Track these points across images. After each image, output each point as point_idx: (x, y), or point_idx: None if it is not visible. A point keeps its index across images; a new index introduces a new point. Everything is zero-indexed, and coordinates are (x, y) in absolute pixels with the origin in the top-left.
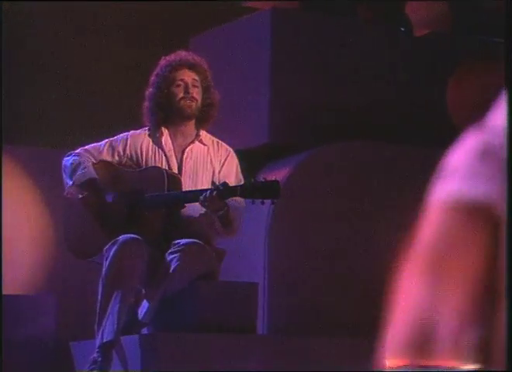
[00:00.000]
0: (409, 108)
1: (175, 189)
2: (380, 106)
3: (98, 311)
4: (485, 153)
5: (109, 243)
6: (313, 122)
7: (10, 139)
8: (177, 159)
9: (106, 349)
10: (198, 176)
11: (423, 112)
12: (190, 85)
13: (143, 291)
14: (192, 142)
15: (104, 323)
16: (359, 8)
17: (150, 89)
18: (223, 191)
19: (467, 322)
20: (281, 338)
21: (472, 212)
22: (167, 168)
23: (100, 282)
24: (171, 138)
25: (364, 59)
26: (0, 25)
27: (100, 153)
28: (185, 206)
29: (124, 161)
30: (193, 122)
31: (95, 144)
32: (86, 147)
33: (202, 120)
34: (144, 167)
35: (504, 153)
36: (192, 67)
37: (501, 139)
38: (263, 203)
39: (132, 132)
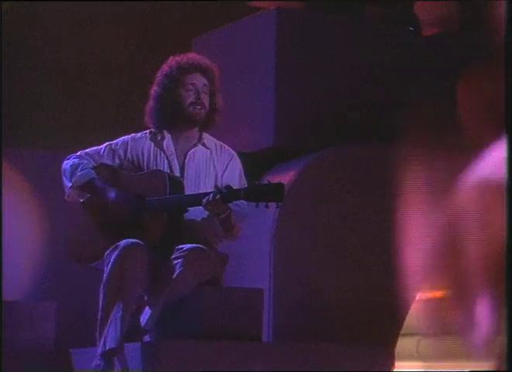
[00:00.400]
0: (418, 109)
1: (178, 193)
2: (388, 108)
3: (99, 318)
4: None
5: (110, 248)
6: (319, 124)
7: (10, 141)
8: (179, 162)
9: (109, 356)
10: (201, 180)
11: (433, 114)
12: (201, 91)
13: (145, 297)
14: (195, 145)
15: (106, 330)
16: (367, 8)
17: (157, 88)
18: (226, 194)
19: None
20: (287, 345)
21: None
22: (169, 172)
23: (101, 288)
24: (173, 141)
25: (371, 60)
26: (0, 26)
27: (100, 156)
28: (187, 210)
29: (125, 165)
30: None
31: (95, 147)
32: (86, 150)
33: (206, 125)
34: (146, 170)
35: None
36: (204, 71)
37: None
38: (267, 207)
39: (132, 135)
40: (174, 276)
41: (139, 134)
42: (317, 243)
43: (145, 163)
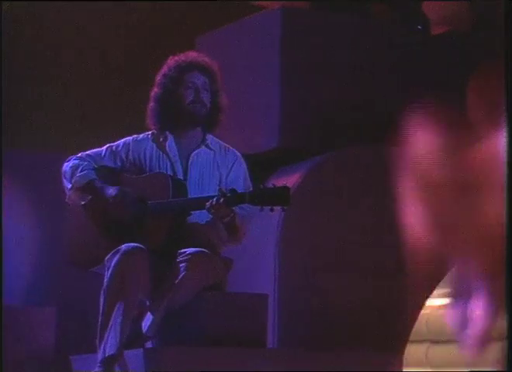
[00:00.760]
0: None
1: (181, 196)
2: (395, 108)
3: (99, 323)
4: None
5: (111, 252)
6: (325, 125)
7: (10, 143)
8: (182, 164)
9: (109, 363)
10: (205, 182)
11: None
12: (201, 89)
13: (147, 302)
14: (198, 147)
15: (106, 336)
16: (374, 7)
17: (156, 90)
18: (230, 197)
19: None
20: (292, 352)
21: None
22: (171, 174)
23: (101, 293)
24: (176, 143)
25: (377, 60)
26: (0, 26)
27: (101, 158)
28: (190, 214)
29: (127, 167)
30: (200, 126)
31: (96, 149)
32: (87, 152)
33: (209, 125)
34: (148, 173)
35: None
36: (203, 69)
37: None
38: (272, 210)
39: (134, 136)
40: (177, 281)
41: (141, 135)
42: (323, 247)
43: (147, 165)
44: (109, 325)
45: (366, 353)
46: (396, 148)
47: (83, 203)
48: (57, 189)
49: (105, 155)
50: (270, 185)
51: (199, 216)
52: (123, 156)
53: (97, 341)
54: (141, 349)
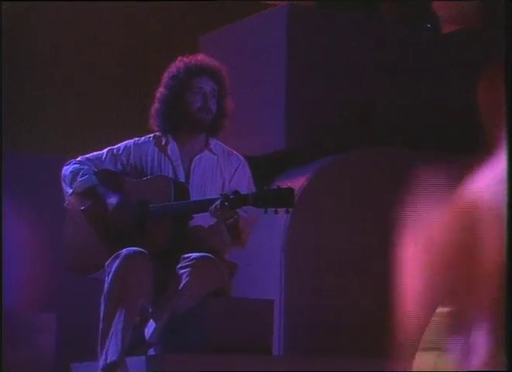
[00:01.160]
0: (435, 110)
1: (183, 199)
2: (403, 110)
3: (100, 330)
4: None
5: (111, 257)
6: (331, 127)
7: (10, 145)
8: (184, 168)
9: (110, 370)
10: (207, 187)
11: (451, 116)
12: (209, 95)
13: (150, 309)
14: (201, 151)
15: (107, 343)
16: (383, 5)
17: (163, 90)
18: (233, 199)
19: None
20: (298, 359)
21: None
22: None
23: (102, 299)
24: (178, 146)
25: (385, 59)
26: (0, 26)
27: (102, 161)
28: (193, 217)
29: (128, 170)
30: (204, 132)
31: (96, 152)
32: (87, 155)
33: (213, 130)
34: (149, 176)
35: None
36: (212, 74)
37: None
38: (276, 212)
39: (135, 139)
40: (181, 286)
41: (142, 138)
42: (330, 251)
43: (149, 168)
44: (111, 332)
45: (374, 361)
46: (405, 150)
47: (82, 208)
48: (57, 192)
49: (105, 158)
50: (274, 187)
51: (202, 219)
52: (124, 159)
53: (98, 348)
54: (144, 356)
